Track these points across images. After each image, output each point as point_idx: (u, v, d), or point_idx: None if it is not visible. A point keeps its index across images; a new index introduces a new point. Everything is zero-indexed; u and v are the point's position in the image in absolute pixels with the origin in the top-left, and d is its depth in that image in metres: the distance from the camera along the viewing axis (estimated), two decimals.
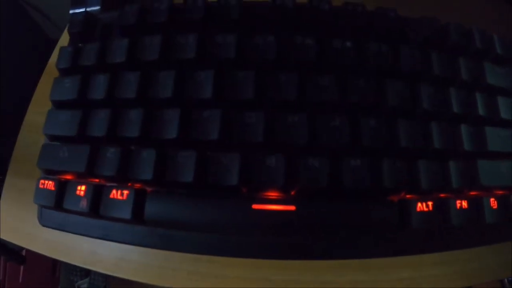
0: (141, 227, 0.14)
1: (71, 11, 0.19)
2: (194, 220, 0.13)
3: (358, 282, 0.15)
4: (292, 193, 0.12)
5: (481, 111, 0.15)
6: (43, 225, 0.16)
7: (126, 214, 0.13)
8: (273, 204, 0.12)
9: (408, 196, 0.13)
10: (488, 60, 0.16)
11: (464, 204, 0.14)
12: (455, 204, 0.14)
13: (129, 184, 0.13)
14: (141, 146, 0.13)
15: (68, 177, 0.14)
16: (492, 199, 0.14)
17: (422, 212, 0.13)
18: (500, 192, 0.15)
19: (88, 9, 0.18)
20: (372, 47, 0.14)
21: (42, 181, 0.15)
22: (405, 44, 0.15)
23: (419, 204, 0.13)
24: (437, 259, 0.17)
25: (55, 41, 0.21)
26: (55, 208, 0.14)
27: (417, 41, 0.16)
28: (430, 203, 0.13)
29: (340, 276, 0.15)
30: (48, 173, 0.15)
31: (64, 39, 0.20)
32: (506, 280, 0.41)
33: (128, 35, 0.15)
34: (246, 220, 0.12)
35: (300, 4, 0.15)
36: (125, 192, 0.13)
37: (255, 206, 0.12)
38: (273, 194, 0.12)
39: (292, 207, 0.12)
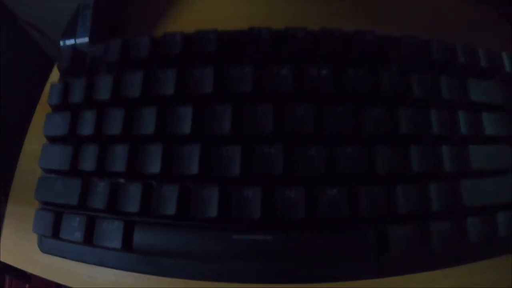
0: (131, 254, 0.15)
1: (61, 42, 0.21)
2: (179, 249, 0.14)
3: None
4: (270, 223, 0.13)
5: (464, 130, 0.16)
6: (43, 252, 0.18)
7: (117, 243, 0.15)
8: (251, 234, 0.13)
9: (387, 221, 0.14)
10: (473, 75, 0.17)
11: (446, 224, 0.15)
12: (437, 226, 0.15)
13: (119, 215, 0.15)
14: (128, 180, 0.15)
15: (64, 208, 0.16)
16: (475, 218, 0.15)
17: (401, 237, 0.14)
18: (484, 210, 0.15)
19: (77, 40, 0.20)
20: (350, 74, 0.15)
21: (40, 212, 0.17)
22: (384, 67, 0.16)
23: (398, 230, 0.14)
24: (426, 278, 0.18)
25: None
26: (53, 237, 0.16)
27: (398, 62, 0.16)
28: (409, 228, 0.14)
29: None
30: (46, 204, 0.17)
31: (56, 72, 0.22)
32: None
33: (112, 71, 0.16)
34: (227, 248, 0.13)
35: (276, 33, 0.16)
36: (115, 223, 0.15)
37: (235, 236, 0.13)
38: (251, 224, 0.13)
39: (269, 237, 0.13)
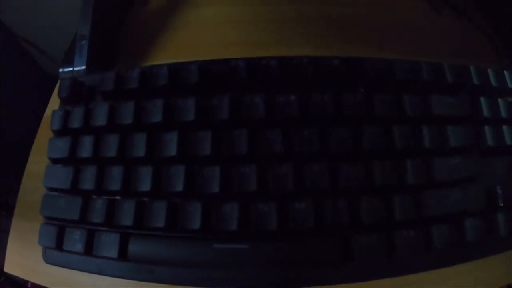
0: (127, 263, 0.18)
1: (60, 70, 0.23)
2: (168, 257, 0.17)
3: None
4: (247, 233, 0.16)
5: (427, 143, 0.18)
6: (47, 263, 0.20)
7: (114, 253, 0.17)
8: (230, 243, 0.16)
9: (352, 232, 0.16)
10: (438, 91, 0.19)
11: (410, 233, 0.17)
12: (400, 235, 0.17)
13: (115, 229, 0.17)
14: (123, 198, 0.17)
15: (66, 223, 0.19)
16: (441, 226, 0.17)
17: (364, 246, 0.16)
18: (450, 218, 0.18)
19: (75, 69, 0.22)
20: (316, 98, 0.17)
21: (44, 226, 0.19)
22: (349, 89, 0.18)
23: (361, 239, 0.16)
24: (395, 284, 0.20)
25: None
26: (56, 249, 0.19)
27: (364, 83, 0.19)
28: (373, 237, 0.17)
29: None
30: (49, 219, 0.19)
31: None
32: None
33: (108, 100, 0.19)
34: (209, 256, 0.16)
35: (251, 62, 0.18)
36: (112, 235, 0.17)
37: (216, 245, 0.16)
38: (230, 235, 0.16)
39: (245, 245, 0.15)
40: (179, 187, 0.16)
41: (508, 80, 0.22)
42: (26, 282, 0.25)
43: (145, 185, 0.17)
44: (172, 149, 0.17)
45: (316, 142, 0.16)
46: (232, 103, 0.17)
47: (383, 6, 0.29)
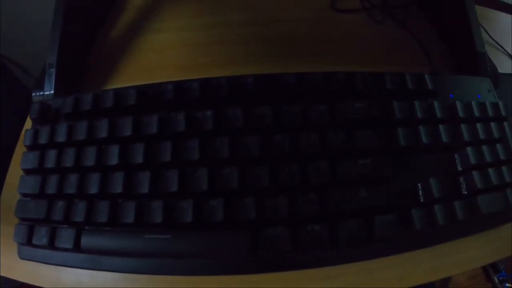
0: (82, 255, 0.25)
1: (33, 94, 0.31)
2: (111, 248, 0.24)
3: None
4: (170, 226, 0.22)
5: (334, 146, 0.24)
6: (21, 258, 0.28)
7: (70, 245, 0.24)
8: (158, 234, 0.22)
9: (260, 226, 0.23)
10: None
11: (315, 227, 0.23)
12: (305, 229, 0.23)
13: (72, 225, 0.25)
14: (79, 200, 0.25)
15: (35, 222, 0.26)
16: (350, 222, 0.23)
17: (271, 238, 0.22)
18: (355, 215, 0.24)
19: (45, 93, 0.30)
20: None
21: (18, 226, 0.26)
22: (259, 102, 0.25)
23: (269, 232, 0.22)
24: (321, 274, 0.26)
25: None
26: (27, 243, 0.26)
27: (274, 96, 0.25)
28: (278, 230, 0.23)
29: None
30: (23, 220, 0.27)
31: None
32: (496, 279, 0.47)
33: (68, 120, 0.26)
34: (142, 245, 0.23)
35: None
36: (69, 230, 0.25)
37: (147, 236, 0.23)
38: (157, 227, 0.23)
39: (168, 235, 0.22)
40: (119, 189, 0.23)
41: (428, 83, 0.28)
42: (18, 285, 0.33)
43: (94, 189, 0.24)
44: (114, 159, 0.24)
45: (227, 150, 0.23)
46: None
47: (324, 22, 0.35)
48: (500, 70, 0.31)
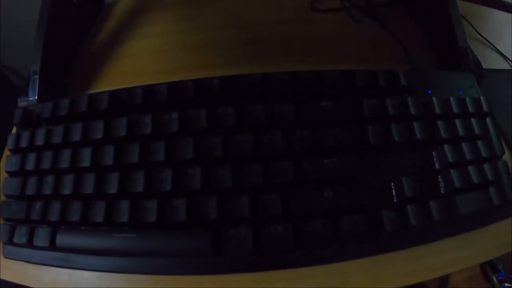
0: (58, 253, 0.29)
1: (18, 100, 0.36)
2: (84, 247, 0.27)
3: None
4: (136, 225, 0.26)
5: (297, 147, 0.27)
6: (6, 257, 0.32)
7: (46, 243, 0.28)
8: (124, 233, 0.26)
9: (223, 226, 0.26)
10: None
11: (278, 228, 0.26)
12: (268, 230, 0.26)
13: (48, 224, 0.29)
14: (55, 200, 0.29)
15: (17, 222, 0.30)
16: (313, 223, 0.26)
17: (233, 238, 0.25)
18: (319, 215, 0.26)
19: (29, 99, 0.35)
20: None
21: (3, 226, 0.31)
22: (223, 103, 0.28)
23: (231, 232, 0.25)
24: (290, 276, 0.28)
25: None
26: (9, 242, 0.30)
27: (238, 96, 0.28)
28: (242, 229, 0.26)
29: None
30: (7, 220, 0.31)
31: None
32: (495, 279, 0.48)
33: (47, 125, 0.31)
34: (109, 243, 0.26)
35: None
36: (46, 230, 0.29)
37: (114, 234, 0.26)
38: (124, 226, 0.26)
39: (134, 234, 0.26)
40: (90, 189, 0.27)
41: (402, 80, 0.30)
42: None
43: (67, 190, 0.28)
44: (86, 161, 0.28)
45: (191, 150, 0.27)
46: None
47: (303, 22, 0.38)
48: (489, 66, 0.32)
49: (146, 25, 0.41)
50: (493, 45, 0.40)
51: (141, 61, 0.39)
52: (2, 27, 0.61)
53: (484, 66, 0.32)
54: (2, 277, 0.34)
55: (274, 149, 0.27)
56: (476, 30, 0.40)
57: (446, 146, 0.28)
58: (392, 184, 0.28)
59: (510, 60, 0.39)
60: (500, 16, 0.43)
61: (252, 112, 0.27)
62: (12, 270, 0.34)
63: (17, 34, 0.61)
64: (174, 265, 0.26)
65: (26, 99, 0.36)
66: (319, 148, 0.28)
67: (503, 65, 0.38)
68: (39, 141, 0.30)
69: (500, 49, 0.40)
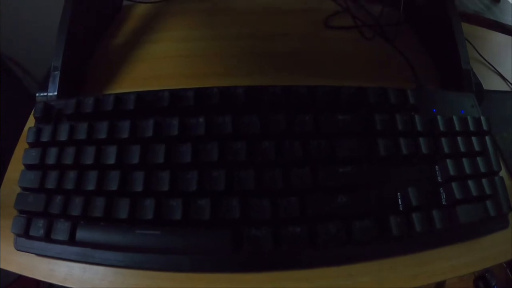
0: (76, 248, 0.29)
1: (37, 94, 0.37)
2: (105, 242, 0.28)
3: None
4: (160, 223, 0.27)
5: (315, 155, 0.29)
6: (17, 249, 0.32)
7: (65, 237, 0.29)
8: (148, 230, 0.27)
9: (243, 226, 0.27)
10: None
11: (296, 229, 0.28)
12: (286, 230, 0.27)
13: (68, 219, 0.29)
14: (76, 195, 0.30)
15: (33, 215, 0.31)
16: (325, 225, 0.28)
17: (253, 238, 0.27)
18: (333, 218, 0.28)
19: (48, 94, 0.36)
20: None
21: (17, 218, 0.31)
22: (247, 112, 0.30)
23: (250, 232, 0.27)
24: (301, 276, 0.30)
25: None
26: (24, 235, 0.31)
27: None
28: (262, 229, 0.27)
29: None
30: (21, 212, 0.32)
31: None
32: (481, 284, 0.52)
33: (70, 121, 0.32)
34: (133, 239, 0.27)
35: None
36: (65, 224, 0.29)
37: (138, 231, 0.27)
38: (148, 223, 0.27)
39: (158, 231, 0.27)
40: (114, 187, 0.28)
41: (410, 98, 0.33)
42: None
43: (91, 186, 0.29)
44: (111, 159, 0.29)
45: (216, 154, 0.28)
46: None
47: (316, 38, 0.40)
48: (489, 87, 0.36)
49: (163, 30, 0.42)
50: (493, 67, 0.43)
51: (160, 64, 0.40)
52: (3, 17, 0.61)
53: (485, 86, 0.36)
54: (11, 270, 0.34)
55: (294, 156, 0.29)
56: (478, 52, 0.43)
57: (448, 161, 0.31)
58: (399, 193, 0.30)
59: (509, 82, 0.43)
60: (500, 38, 0.46)
61: (274, 121, 0.29)
62: (20, 263, 0.34)
63: (18, 24, 0.61)
64: (194, 263, 0.28)
65: (45, 94, 0.36)
66: (335, 157, 0.30)
67: (502, 86, 0.41)
68: (62, 136, 0.31)
69: (500, 71, 0.43)
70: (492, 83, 0.42)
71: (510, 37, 0.47)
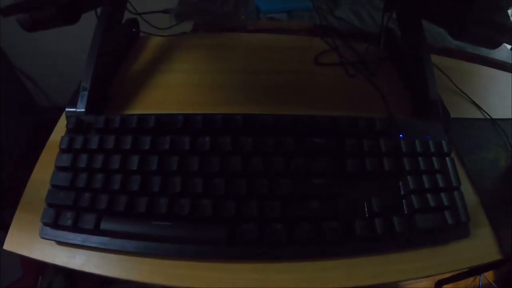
0: (100, 237, 0.37)
1: (66, 109, 0.44)
2: (125, 231, 0.36)
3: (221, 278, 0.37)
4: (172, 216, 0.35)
5: (294, 169, 0.38)
6: (42, 238, 0.39)
7: (91, 226, 0.36)
8: (161, 221, 0.35)
9: (236, 221, 0.36)
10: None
11: (279, 226, 0.36)
12: (273, 227, 0.36)
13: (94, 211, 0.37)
14: (102, 193, 0.37)
15: (62, 208, 0.38)
16: (304, 225, 0.37)
17: (245, 232, 0.35)
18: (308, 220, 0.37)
19: (77, 109, 0.43)
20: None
21: (47, 209, 0.38)
22: (243, 135, 0.39)
23: (243, 227, 0.35)
24: (282, 268, 0.38)
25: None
26: (53, 224, 0.37)
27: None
28: (251, 225, 0.36)
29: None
30: (50, 206, 0.39)
31: (62, 121, 0.45)
32: None
33: (98, 133, 0.40)
34: (149, 230, 0.35)
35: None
36: (92, 215, 0.37)
37: (153, 222, 0.35)
38: (162, 216, 0.35)
39: (169, 222, 0.35)
40: (136, 187, 0.36)
41: (377, 125, 0.42)
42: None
43: (116, 186, 0.37)
44: (134, 165, 0.37)
45: (217, 166, 0.37)
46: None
47: (306, 73, 0.50)
48: (466, 115, 0.44)
49: (176, 61, 0.51)
50: (469, 97, 0.50)
51: (174, 91, 0.49)
52: (19, 38, 0.67)
53: (462, 115, 0.43)
54: (32, 257, 0.41)
55: (278, 169, 0.38)
56: (454, 84, 0.51)
57: (409, 177, 0.39)
58: (365, 202, 0.39)
59: (484, 111, 0.49)
60: (483, 71, 0.54)
61: (264, 142, 0.39)
62: (43, 250, 0.40)
63: (35, 46, 0.68)
64: (195, 251, 0.36)
65: (74, 109, 0.44)
66: (311, 171, 0.39)
67: (475, 112, 0.49)
68: (93, 145, 0.39)
69: (479, 101, 0.50)
70: (468, 112, 0.49)
71: (493, 69, 0.55)
